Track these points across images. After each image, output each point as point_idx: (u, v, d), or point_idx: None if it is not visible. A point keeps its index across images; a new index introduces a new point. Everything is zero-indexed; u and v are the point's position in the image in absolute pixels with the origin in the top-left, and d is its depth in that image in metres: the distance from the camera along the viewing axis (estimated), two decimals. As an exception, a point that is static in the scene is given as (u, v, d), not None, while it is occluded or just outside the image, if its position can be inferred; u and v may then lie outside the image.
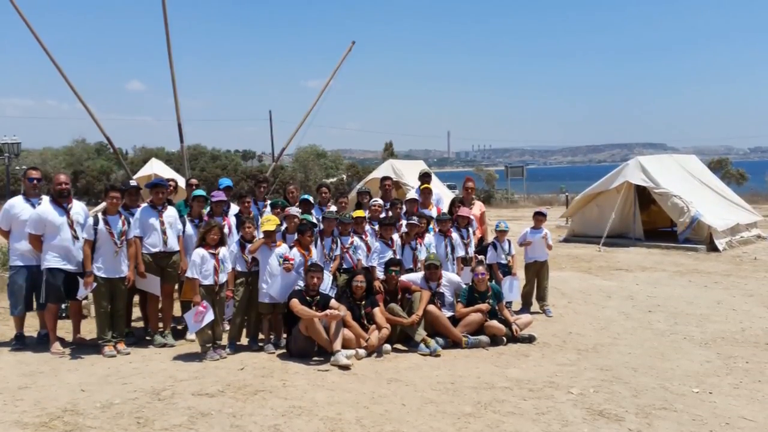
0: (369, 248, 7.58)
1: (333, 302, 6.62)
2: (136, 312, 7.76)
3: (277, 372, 6.01)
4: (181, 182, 10.64)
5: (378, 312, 6.87)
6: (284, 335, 6.90)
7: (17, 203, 6.97)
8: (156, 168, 15.13)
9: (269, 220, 6.99)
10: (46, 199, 6.91)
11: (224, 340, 6.85)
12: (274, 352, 6.72)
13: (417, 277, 7.37)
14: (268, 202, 8.35)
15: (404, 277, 7.30)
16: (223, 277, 6.64)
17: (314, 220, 7.47)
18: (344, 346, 6.36)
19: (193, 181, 8.98)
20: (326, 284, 6.91)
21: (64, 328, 7.39)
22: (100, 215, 6.75)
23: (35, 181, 7.05)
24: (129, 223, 6.84)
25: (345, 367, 6.08)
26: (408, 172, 16.38)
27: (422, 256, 7.66)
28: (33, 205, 6.87)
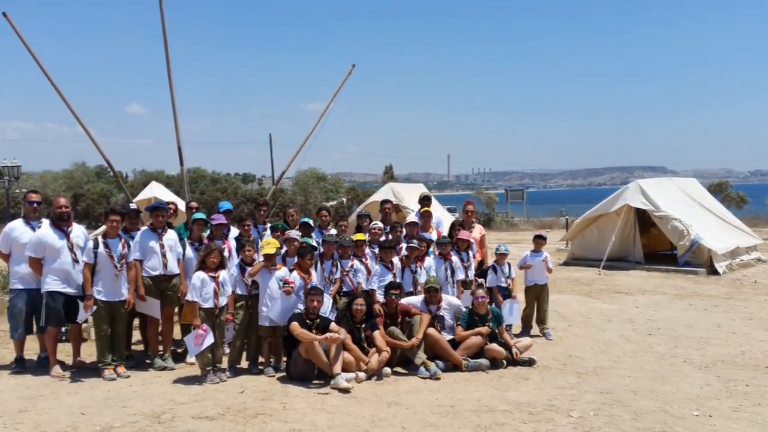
0: (369, 271, 7.60)
1: (333, 325, 6.63)
2: (136, 335, 7.75)
3: (277, 395, 5.99)
4: (181, 205, 10.66)
5: (378, 335, 6.86)
6: (284, 358, 6.88)
7: (17, 226, 7.00)
8: (156, 191, 15.14)
9: (269, 244, 7.02)
10: (46, 222, 6.95)
11: (224, 364, 6.84)
12: (274, 375, 6.71)
13: (417, 300, 7.38)
14: (268, 225, 8.35)
15: (404, 301, 7.31)
16: (223, 300, 6.65)
17: (314, 244, 7.50)
18: (344, 369, 6.35)
19: (193, 204, 8.99)
20: (326, 307, 6.91)
21: (64, 352, 7.37)
22: (100, 238, 6.78)
23: (35, 205, 7.09)
24: (129, 246, 6.87)
25: (345, 391, 6.06)
26: (408, 196, 16.41)
27: (422, 279, 7.67)
28: (33, 229, 6.90)
